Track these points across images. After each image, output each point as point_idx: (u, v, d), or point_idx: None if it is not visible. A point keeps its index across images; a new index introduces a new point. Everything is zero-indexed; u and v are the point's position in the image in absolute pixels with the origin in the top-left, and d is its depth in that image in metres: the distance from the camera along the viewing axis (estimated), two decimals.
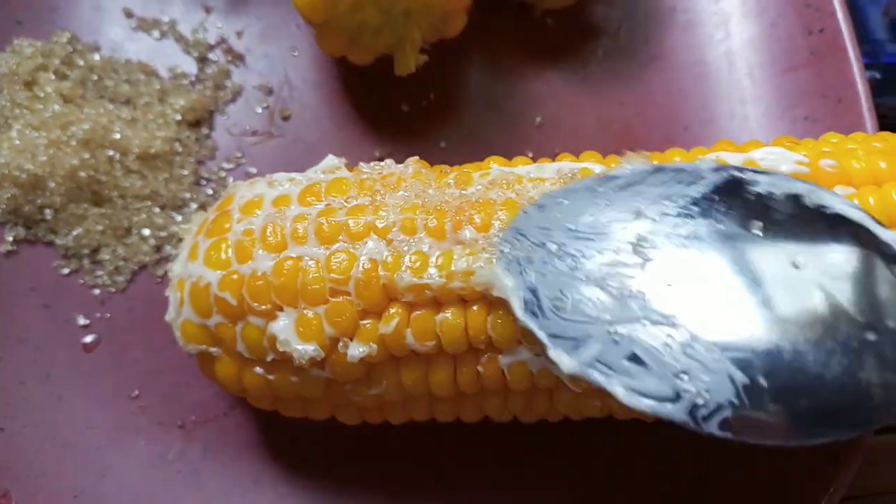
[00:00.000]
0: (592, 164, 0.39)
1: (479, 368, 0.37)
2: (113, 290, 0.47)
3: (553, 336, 0.31)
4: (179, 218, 0.49)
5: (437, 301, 0.36)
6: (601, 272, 0.31)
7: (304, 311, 0.37)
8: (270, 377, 0.38)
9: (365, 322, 0.36)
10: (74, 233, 0.47)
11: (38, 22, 0.52)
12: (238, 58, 0.53)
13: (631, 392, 0.29)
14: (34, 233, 0.48)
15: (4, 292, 0.46)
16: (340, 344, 0.36)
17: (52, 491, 0.42)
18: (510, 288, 0.33)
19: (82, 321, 0.46)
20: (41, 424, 0.44)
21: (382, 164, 0.41)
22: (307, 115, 0.52)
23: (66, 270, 0.47)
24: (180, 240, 0.42)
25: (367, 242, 0.37)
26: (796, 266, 0.30)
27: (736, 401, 0.28)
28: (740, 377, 0.28)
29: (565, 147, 0.44)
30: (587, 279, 0.31)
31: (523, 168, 0.39)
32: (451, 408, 0.39)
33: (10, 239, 0.47)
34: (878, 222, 0.31)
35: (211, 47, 0.53)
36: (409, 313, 0.36)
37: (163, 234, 0.48)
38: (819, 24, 0.50)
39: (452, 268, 0.36)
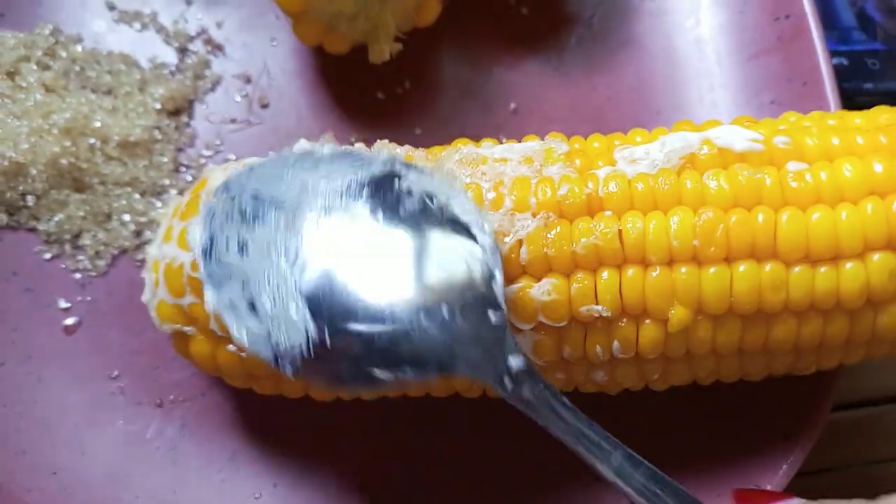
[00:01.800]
0: (557, 143, 0.40)
1: None
2: (94, 274, 0.48)
3: (210, 276, 0.35)
4: (159, 204, 0.50)
5: None
6: (265, 231, 0.35)
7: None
8: (243, 355, 0.39)
9: None
10: (56, 218, 0.48)
11: (21, 14, 0.53)
12: (218, 48, 0.54)
13: (241, 331, 0.34)
14: (16, 219, 0.49)
15: None
16: None
17: (31, 468, 0.43)
18: (194, 230, 0.37)
19: (63, 304, 0.47)
20: (21, 404, 0.45)
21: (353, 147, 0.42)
22: (285, 103, 0.53)
23: (47, 255, 0.48)
24: (160, 225, 0.43)
25: None
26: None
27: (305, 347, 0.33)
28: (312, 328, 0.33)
29: (539, 132, 0.45)
30: (250, 233, 0.36)
31: (489, 149, 0.40)
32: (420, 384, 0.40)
33: None
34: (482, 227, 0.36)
35: (191, 38, 0.54)
36: None
37: (143, 219, 0.49)
38: (785, 10, 0.51)
39: None
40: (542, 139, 0.42)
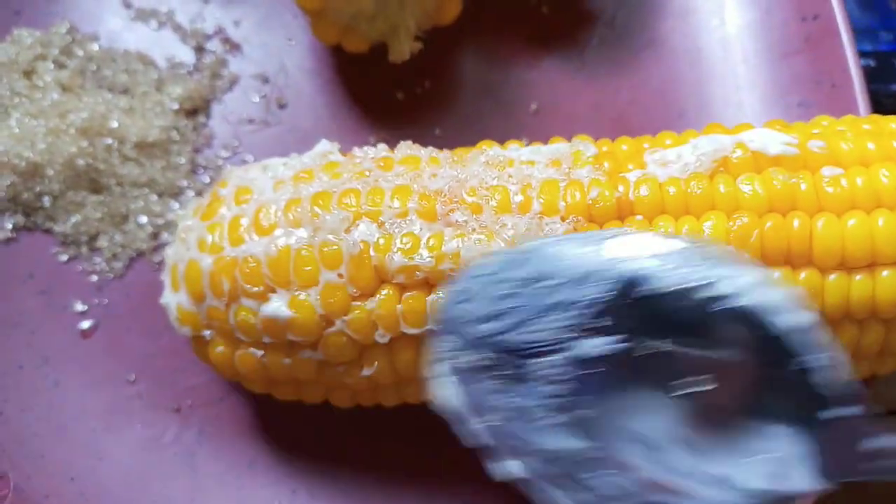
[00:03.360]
0: (585, 145, 0.40)
1: None
2: (111, 276, 0.47)
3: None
4: (176, 205, 0.49)
5: (428, 282, 0.37)
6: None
7: (296, 293, 0.37)
8: (264, 359, 0.39)
9: (357, 303, 0.37)
10: (73, 220, 0.48)
11: (37, 13, 0.52)
12: (235, 47, 0.53)
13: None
14: (33, 220, 0.48)
15: (3, 279, 0.47)
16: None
17: (49, 473, 0.43)
18: (450, 389, 0.32)
19: (80, 307, 0.47)
20: (38, 408, 0.44)
21: (375, 148, 0.42)
22: (303, 103, 0.52)
23: (64, 257, 0.48)
24: (177, 226, 0.43)
25: (358, 225, 0.37)
26: None
27: None
28: None
29: (560, 133, 0.44)
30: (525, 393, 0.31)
31: (515, 151, 0.40)
32: None
33: (10, 226, 0.48)
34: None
35: (208, 37, 0.53)
36: (400, 294, 0.37)
37: (160, 221, 0.49)
38: (813, 11, 0.50)
39: (443, 249, 0.36)
40: (565, 140, 0.42)
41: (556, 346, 0.30)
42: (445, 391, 0.31)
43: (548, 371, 0.30)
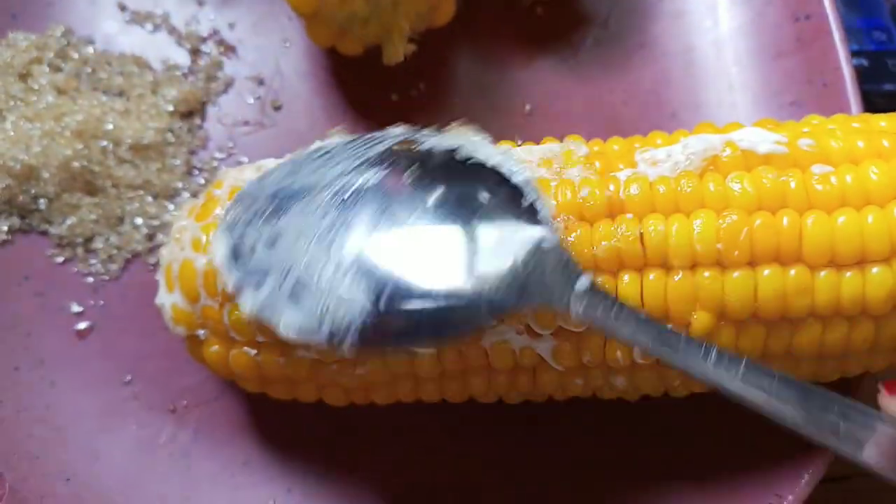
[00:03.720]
0: (576, 145, 0.40)
1: (461, 348, 0.37)
2: (106, 277, 0.48)
3: (242, 282, 0.35)
4: (172, 207, 0.49)
5: None
6: (292, 221, 0.35)
7: None
8: (258, 358, 0.39)
9: None
10: (68, 222, 0.48)
11: (33, 16, 0.53)
12: (230, 49, 0.54)
13: (287, 327, 0.34)
14: (28, 222, 0.48)
15: None
16: None
17: (44, 474, 0.43)
18: (217, 243, 0.36)
19: (76, 308, 0.47)
20: (34, 409, 0.44)
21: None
22: (298, 105, 0.52)
23: (59, 259, 0.48)
24: (173, 227, 0.43)
25: None
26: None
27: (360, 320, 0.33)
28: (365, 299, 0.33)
29: (554, 134, 0.44)
30: (276, 227, 0.35)
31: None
32: (435, 388, 0.40)
33: (5, 228, 0.48)
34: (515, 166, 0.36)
35: (203, 39, 0.54)
36: None
37: (155, 222, 0.49)
38: (805, 11, 0.51)
39: None
40: (560, 141, 0.42)
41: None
42: (215, 246, 0.36)
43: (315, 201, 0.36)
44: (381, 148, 0.37)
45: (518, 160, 0.37)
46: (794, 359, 0.37)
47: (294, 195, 0.36)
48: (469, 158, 0.36)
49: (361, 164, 0.36)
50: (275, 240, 0.35)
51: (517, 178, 0.35)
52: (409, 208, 0.35)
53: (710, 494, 0.42)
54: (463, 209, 0.35)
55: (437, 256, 0.34)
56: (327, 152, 0.38)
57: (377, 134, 0.38)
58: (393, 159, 0.36)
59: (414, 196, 0.35)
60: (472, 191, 0.35)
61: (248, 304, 0.35)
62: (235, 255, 0.35)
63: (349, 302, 0.33)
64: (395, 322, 0.33)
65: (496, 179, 0.36)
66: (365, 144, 0.37)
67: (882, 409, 0.33)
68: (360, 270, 0.34)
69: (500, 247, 0.34)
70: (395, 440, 0.45)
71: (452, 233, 0.35)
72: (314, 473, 0.44)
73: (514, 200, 0.35)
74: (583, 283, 0.33)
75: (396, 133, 0.38)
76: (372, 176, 0.36)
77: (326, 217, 0.35)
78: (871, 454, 0.29)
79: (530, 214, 0.35)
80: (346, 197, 0.35)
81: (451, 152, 0.36)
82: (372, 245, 0.34)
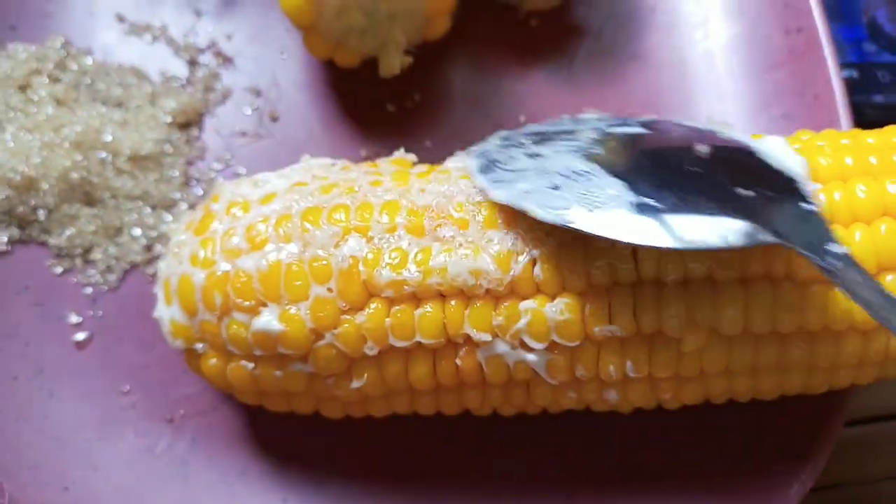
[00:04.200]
0: None
1: (458, 361, 0.38)
2: (105, 288, 0.48)
3: (495, 182, 0.38)
4: (170, 218, 0.50)
5: (415, 296, 0.37)
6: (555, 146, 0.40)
7: (287, 307, 0.38)
8: (255, 372, 0.39)
9: (346, 317, 0.37)
10: (67, 233, 0.48)
11: (32, 27, 0.53)
12: (227, 60, 0.54)
13: (545, 208, 0.36)
14: (28, 233, 0.49)
15: None
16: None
17: (43, 483, 0.43)
18: (471, 165, 0.40)
19: (74, 319, 0.47)
20: (33, 419, 0.45)
21: (364, 163, 0.42)
22: (295, 116, 0.53)
23: (58, 269, 0.48)
24: (170, 239, 0.43)
25: (347, 240, 0.38)
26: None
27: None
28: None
29: None
30: (539, 148, 0.40)
31: None
32: (431, 401, 0.40)
33: (5, 239, 0.48)
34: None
35: (201, 50, 0.54)
36: (388, 308, 0.37)
37: (153, 233, 0.49)
38: (796, 24, 0.51)
39: (430, 264, 0.37)
40: None
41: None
42: (468, 163, 0.41)
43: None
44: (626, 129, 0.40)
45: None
46: (784, 372, 0.38)
47: (549, 138, 0.40)
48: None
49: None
50: (537, 155, 0.39)
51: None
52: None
53: (702, 502, 0.43)
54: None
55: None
56: (577, 123, 0.42)
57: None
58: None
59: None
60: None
61: (501, 196, 0.37)
62: (489, 166, 0.39)
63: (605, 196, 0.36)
64: None
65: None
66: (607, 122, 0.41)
67: None
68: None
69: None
70: (390, 451, 0.45)
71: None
72: (310, 483, 0.44)
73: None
74: (838, 247, 0.34)
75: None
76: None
77: (582, 157, 0.38)
78: None
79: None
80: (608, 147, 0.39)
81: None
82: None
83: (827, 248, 0.34)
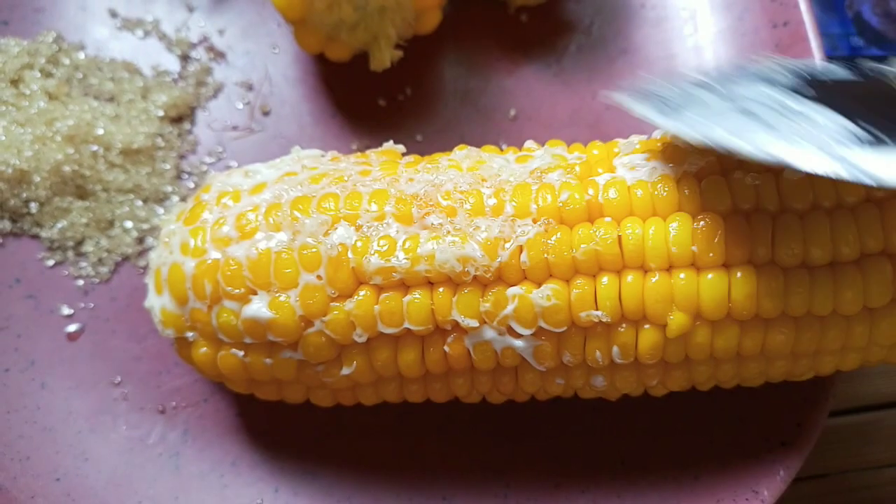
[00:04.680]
0: (561, 150, 0.41)
1: (446, 348, 0.38)
2: (97, 280, 0.48)
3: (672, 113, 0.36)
4: (161, 211, 0.50)
5: (404, 283, 0.38)
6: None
7: (277, 295, 0.38)
8: (246, 360, 0.39)
9: (335, 304, 0.38)
10: (59, 225, 0.49)
11: (24, 22, 0.53)
12: (220, 55, 0.54)
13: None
14: (20, 226, 0.49)
15: None
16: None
17: (35, 474, 0.44)
18: (645, 109, 0.37)
19: (66, 311, 0.47)
20: (25, 410, 0.45)
21: (354, 154, 0.43)
22: (286, 110, 0.53)
23: (50, 262, 0.49)
24: (162, 231, 0.43)
25: (337, 228, 0.38)
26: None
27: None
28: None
29: (538, 139, 0.46)
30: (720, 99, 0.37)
31: (488, 156, 0.41)
32: (420, 388, 0.40)
33: None
34: None
35: (193, 45, 0.54)
36: (377, 295, 0.38)
37: (145, 226, 0.49)
38: (783, 17, 0.52)
39: (418, 251, 0.37)
40: (542, 145, 0.43)
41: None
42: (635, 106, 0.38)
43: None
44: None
45: None
46: (768, 358, 0.38)
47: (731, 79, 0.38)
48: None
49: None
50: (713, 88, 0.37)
51: None
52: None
53: (689, 489, 0.43)
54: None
55: None
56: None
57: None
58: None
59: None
60: None
61: (673, 125, 0.36)
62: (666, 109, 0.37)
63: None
64: None
65: None
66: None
67: None
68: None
69: None
70: (381, 440, 0.45)
71: None
72: (302, 473, 0.45)
73: None
74: None
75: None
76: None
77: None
78: None
79: None
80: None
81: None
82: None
83: None
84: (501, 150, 0.43)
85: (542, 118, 0.53)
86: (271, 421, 0.46)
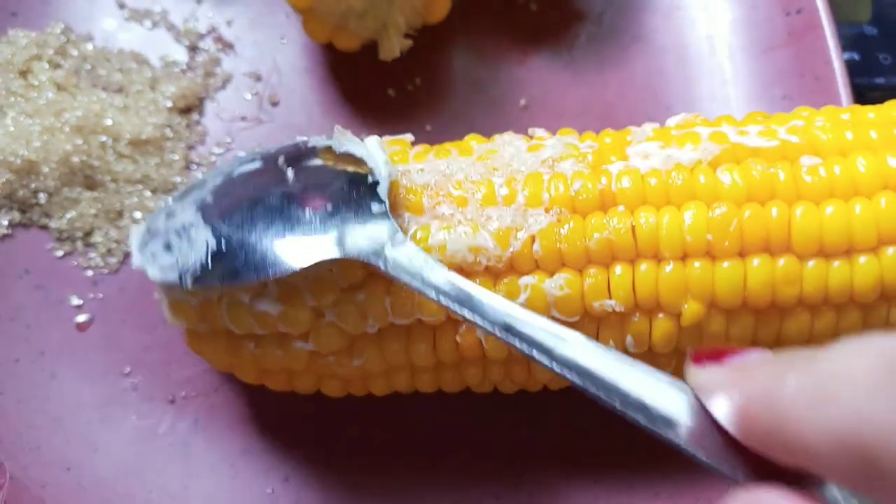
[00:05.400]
0: (573, 139, 0.41)
1: (458, 338, 0.38)
2: (106, 271, 0.48)
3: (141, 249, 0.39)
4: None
5: None
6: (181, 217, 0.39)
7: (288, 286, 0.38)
8: (256, 351, 0.39)
9: (346, 295, 0.37)
10: (68, 216, 0.48)
11: (32, 13, 0.53)
12: (228, 46, 0.54)
13: (154, 270, 0.38)
14: (29, 216, 0.49)
15: (0, 274, 0.48)
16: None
17: (44, 464, 0.44)
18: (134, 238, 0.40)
19: (75, 301, 0.47)
20: (35, 400, 0.45)
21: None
22: (295, 100, 0.53)
23: (59, 253, 0.48)
24: None
25: None
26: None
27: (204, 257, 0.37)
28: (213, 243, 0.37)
29: (549, 128, 0.45)
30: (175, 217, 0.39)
31: (500, 145, 0.41)
32: (431, 378, 0.40)
33: (6, 223, 0.48)
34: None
35: (201, 36, 0.54)
36: (388, 286, 0.37)
37: None
38: (797, 5, 0.51)
39: (429, 241, 0.37)
40: (551, 135, 0.42)
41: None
42: (133, 239, 0.40)
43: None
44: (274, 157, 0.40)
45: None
46: (783, 347, 0.38)
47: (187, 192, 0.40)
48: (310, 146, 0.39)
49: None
50: (170, 215, 0.40)
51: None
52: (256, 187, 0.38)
53: (700, 478, 0.43)
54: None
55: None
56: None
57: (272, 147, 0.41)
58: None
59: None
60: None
61: (136, 260, 0.39)
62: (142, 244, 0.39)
63: (197, 244, 0.37)
64: (235, 247, 0.37)
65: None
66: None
67: (689, 382, 0.27)
68: (212, 226, 0.38)
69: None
70: (392, 430, 0.45)
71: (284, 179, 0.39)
72: (312, 462, 0.45)
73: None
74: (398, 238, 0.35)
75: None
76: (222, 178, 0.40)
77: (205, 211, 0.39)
78: (681, 434, 0.26)
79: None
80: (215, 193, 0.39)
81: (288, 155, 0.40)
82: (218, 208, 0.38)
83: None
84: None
85: (552, 108, 0.53)
86: (281, 410, 0.45)
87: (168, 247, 0.38)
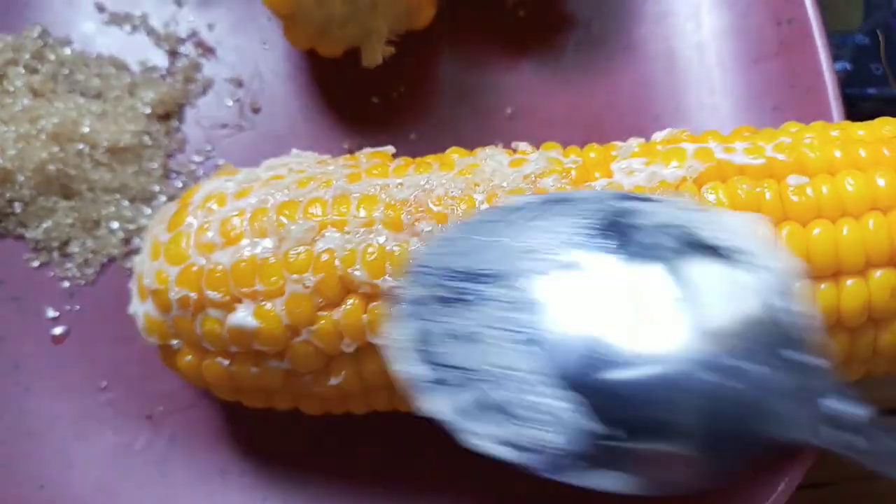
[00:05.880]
0: (556, 153, 0.40)
1: None
2: (82, 282, 0.47)
3: (437, 375, 0.30)
4: (149, 211, 0.49)
5: None
6: (478, 316, 0.30)
7: (262, 303, 0.37)
8: (231, 368, 0.38)
9: (322, 313, 0.37)
10: (44, 226, 0.48)
11: (8, 16, 0.52)
12: (209, 51, 0.53)
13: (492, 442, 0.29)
14: (4, 226, 0.48)
15: None
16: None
17: (17, 481, 0.43)
18: (395, 337, 0.32)
19: (51, 313, 0.46)
20: (7, 415, 0.44)
21: (343, 156, 0.42)
22: (277, 107, 0.52)
23: (35, 263, 0.48)
24: (147, 233, 0.42)
25: (324, 234, 0.37)
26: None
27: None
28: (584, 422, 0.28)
29: (536, 138, 0.44)
30: (458, 319, 0.30)
31: (482, 159, 0.40)
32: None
33: None
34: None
35: (182, 40, 0.53)
36: (365, 304, 0.37)
37: (132, 226, 0.48)
38: (788, 15, 0.50)
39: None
40: (539, 145, 0.42)
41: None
42: (396, 326, 0.31)
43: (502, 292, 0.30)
44: (588, 217, 0.31)
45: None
46: None
47: (479, 277, 0.31)
48: (688, 238, 0.31)
49: (565, 240, 0.31)
50: (456, 334, 0.30)
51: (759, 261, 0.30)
52: (618, 293, 0.29)
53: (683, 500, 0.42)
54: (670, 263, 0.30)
55: (648, 319, 0.28)
56: (514, 214, 0.32)
57: (574, 195, 0.33)
58: (601, 233, 0.31)
59: (627, 282, 0.30)
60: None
61: (445, 408, 0.29)
62: (422, 343, 0.30)
63: (561, 420, 0.28)
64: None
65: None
66: (563, 209, 0.32)
67: None
68: (569, 377, 0.28)
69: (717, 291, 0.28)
70: (372, 447, 0.44)
71: (657, 281, 0.29)
72: (290, 481, 0.44)
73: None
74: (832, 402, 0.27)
75: (599, 196, 0.32)
76: (577, 256, 0.30)
77: (526, 311, 0.29)
78: None
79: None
80: (547, 284, 0.30)
81: (665, 233, 0.31)
82: (577, 341, 0.29)
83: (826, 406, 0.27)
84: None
85: (539, 117, 0.52)
86: (260, 427, 0.45)
87: (483, 407, 0.28)
